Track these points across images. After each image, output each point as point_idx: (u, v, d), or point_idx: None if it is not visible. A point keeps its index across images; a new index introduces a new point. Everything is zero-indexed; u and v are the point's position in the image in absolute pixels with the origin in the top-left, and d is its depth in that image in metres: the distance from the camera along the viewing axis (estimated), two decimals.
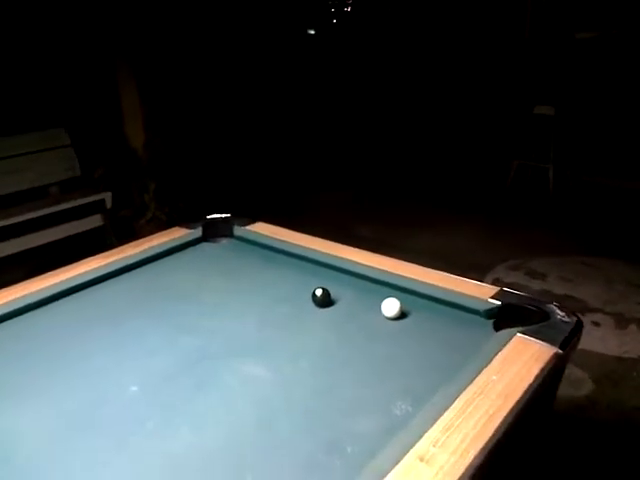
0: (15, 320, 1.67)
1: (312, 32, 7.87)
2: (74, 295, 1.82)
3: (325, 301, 1.74)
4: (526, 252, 4.38)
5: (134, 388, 1.39)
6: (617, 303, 3.53)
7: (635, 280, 3.84)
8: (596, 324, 3.34)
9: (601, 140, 5.74)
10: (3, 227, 3.76)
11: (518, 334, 1.49)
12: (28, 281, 1.83)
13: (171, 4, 5.10)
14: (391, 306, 1.67)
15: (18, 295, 1.74)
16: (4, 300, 1.71)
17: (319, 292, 1.73)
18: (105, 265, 1.94)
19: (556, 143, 5.54)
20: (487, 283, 1.79)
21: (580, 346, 3.09)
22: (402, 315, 1.68)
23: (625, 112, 5.63)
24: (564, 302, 2.86)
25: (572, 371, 2.94)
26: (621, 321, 3.36)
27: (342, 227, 4.57)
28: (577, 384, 2.86)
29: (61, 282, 1.83)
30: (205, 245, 2.20)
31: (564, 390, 2.79)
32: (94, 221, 4.26)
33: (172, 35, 5.11)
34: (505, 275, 4.00)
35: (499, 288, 1.73)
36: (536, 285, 3.83)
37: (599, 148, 5.75)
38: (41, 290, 1.78)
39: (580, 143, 5.78)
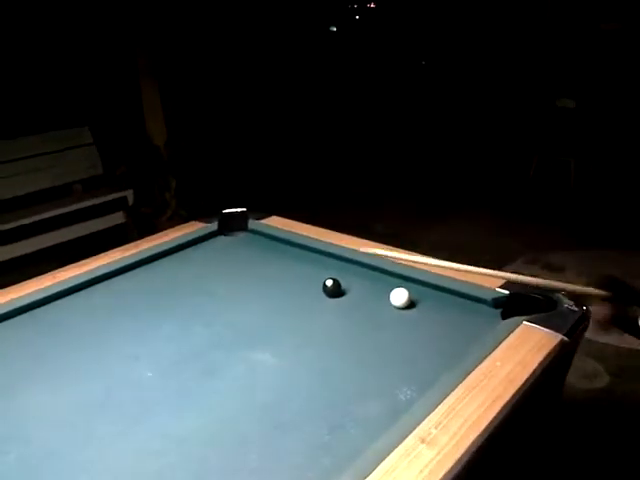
0: (40, 310, 1.75)
1: (334, 29, 7.90)
2: (95, 286, 1.89)
3: (336, 291, 1.78)
4: (545, 246, 4.36)
5: (149, 374, 1.45)
6: None
7: None
8: None
9: (623, 132, 5.65)
10: (28, 225, 3.87)
11: (524, 322, 1.51)
12: (51, 273, 1.91)
13: (193, 3, 5.18)
14: (399, 295, 1.70)
15: (42, 286, 1.82)
16: (27, 291, 1.78)
17: (329, 282, 1.77)
18: (124, 258, 2.01)
19: (578, 136, 5.48)
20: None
21: (596, 339, 3.09)
22: (411, 304, 1.71)
23: None
24: None
25: (588, 363, 2.93)
26: None
27: (359, 222, 4.59)
28: (593, 377, 2.85)
29: (82, 273, 1.90)
30: (221, 238, 2.25)
31: (580, 382, 2.80)
32: (116, 218, 4.35)
33: (193, 34, 5.19)
34: (523, 268, 3.99)
35: (505, 280, 1.74)
36: (553, 279, 3.80)
37: (621, 140, 5.67)
38: (63, 281, 1.85)
39: (602, 136, 5.70)
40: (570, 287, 1.60)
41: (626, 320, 1.43)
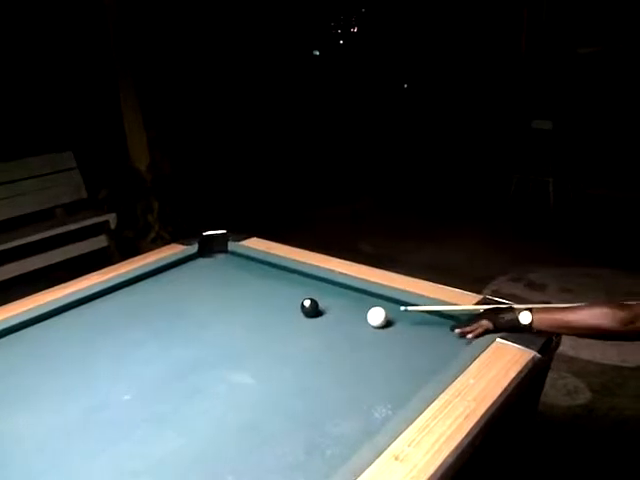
0: (19, 333, 1.75)
1: (317, 53, 8.04)
2: (75, 309, 1.90)
3: (313, 311, 1.80)
4: (527, 264, 4.41)
5: (127, 397, 1.45)
6: None
7: (635, 290, 3.84)
8: None
9: (599, 152, 5.77)
10: (11, 249, 3.86)
11: (498, 339, 1.53)
12: (31, 296, 1.91)
13: (175, 25, 5.25)
14: (377, 315, 1.72)
15: (22, 309, 1.82)
16: (7, 314, 1.78)
17: (307, 303, 1.79)
18: (104, 281, 2.02)
19: (555, 157, 5.59)
20: (486, 295, 1.82)
21: (579, 356, 3.12)
22: (388, 324, 1.73)
23: (621, 125, 5.67)
24: None
25: (570, 380, 2.96)
26: None
27: (343, 242, 4.63)
28: (575, 393, 2.87)
29: (62, 297, 1.90)
30: (201, 260, 2.26)
31: (562, 399, 2.82)
32: (99, 242, 4.35)
33: (176, 57, 5.25)
34: (505, 287, 4.03)
35: (482, 296, 1.77)
36: (536, 297, 3.86)
37: (597, 160, 5.78)
38: (43, 304, 1.85)
39: (579, 156, 5.81)
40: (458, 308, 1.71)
41: (506, 322, 1.54)
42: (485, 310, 1.63)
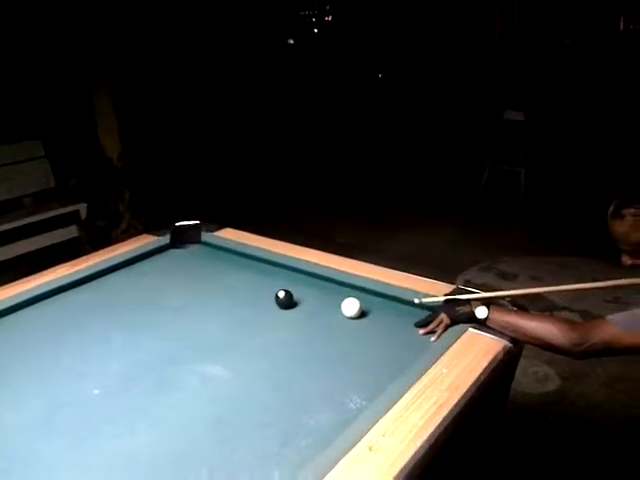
0: None
1: (291, 42, 7.98)
2: (41, 302, 1.85)
3: (288, 303, 1.79)
4: (498, 253, 4.46)
5: (96, 391, 1.43)
6: (584, 300, 3.61)
7: (603, 277, 3.92)
8: None
9: (569, 143, 5.86)
10: None
11: (470, 329, 1.55)
12: None
13: (147, 12, 5.14)
14: (351, 306, 1.72)
15: None
16: None
17: (282, 294, 1.78)
18: (72, 273, 1.97)
19: (527, 147, 5.65)
20: (459, 284, 1.83)
21: None
22: (362, 314, 1.73)
23: (591, 116, 5.76)
24: (532, 301, 2.93)
25: (541, 368, 3.01)
26: (587, 317, 3.44)
27: (319, 233, 4.62)
28: (544, 380, 2.92)
29: (27, 290, 1.86)
30: (173, 252, 2.23)
31: (531, 386, 2.88)
32: (70, 232, 4.26)
33: (147, 46, 5.15)
34: (476, 276, 4.08)
35: (455, 286, 1.79)
36: (506, 285, 3.91)
37: (567, 151, 5.87)
38: (8, 298, 1.80)
39: (550, 147, 5.90)
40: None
41: (462, 314, 1.58)
42: (444, 301, 1.65)
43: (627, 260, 1.42)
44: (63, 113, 4.60)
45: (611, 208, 1.40)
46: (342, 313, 1.73)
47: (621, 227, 1.37)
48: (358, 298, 1.75)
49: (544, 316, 1.55)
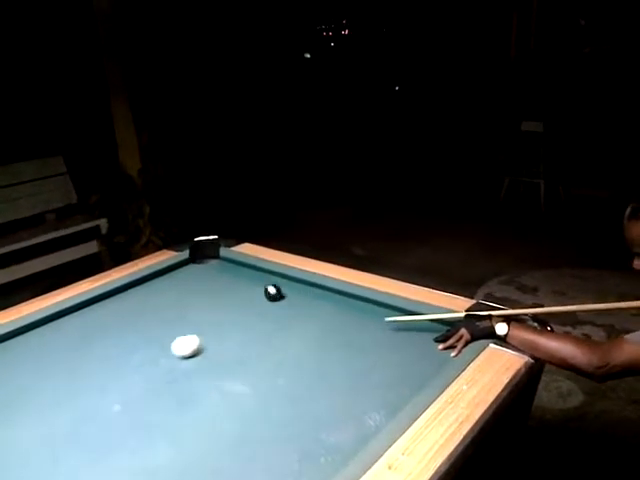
0: (5, 343, 1.72)
1: (308, 56, 8.06)
2: (65, 318, 1.87)
3: (276, 297, 1.89)
4: (519, 266, 4.42)
5: (117, 407, 1.44)
6: (608, 315, 3.55)
7: (627, 291, 3.85)
8: (587, 336, 3.36)
9: (590, 154, 5.80)
10: (1, 255, 3.82)
11: (491, 344, 1.53)
12: (19, 305, 1.89)
13: (167, 29, 5.23)
14: (186, 345, 1.63)
15: (8, 319, 1.79)
16: None
17: (272, 290, 1.89)
18: (93, 289, 2.00)
19: (546, 158, 5.61)
20: (479, 298, 1.82)
21: None
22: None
23: (611, 126, 5.70)
24: (555, 315, 2.89)
25: (563, 383, 2.96)
26: (612, 333, 3.38)
27: (337, 245, 4.62)
28: (567, 396, 2.87)
29: (51, 305, 1.88)
30: (192, 267, 2.25)
31: (554, 402, 2.83)
32: (90, 247, 4.32)
33: (167, 61, 5.23)
34: (497, 290, 4.04)
35: (475, 301, 1.77)
36: (528, 299, 3.86)
37: (586, 161, 5.81)
38: (31, 313, 1.83)
39: (569, 158, 5.84)
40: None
41: (482, 329, 1.57)
42: (465, 316, 1.64)
43: (639, 265, 1.40)
44: (84, 130, 4.68)
45: (628, 210, 1.38)
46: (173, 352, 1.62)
47: (637, 229, 1.35)
48: (376, 313, 1.74)
49: (564, 335, 1.53)
